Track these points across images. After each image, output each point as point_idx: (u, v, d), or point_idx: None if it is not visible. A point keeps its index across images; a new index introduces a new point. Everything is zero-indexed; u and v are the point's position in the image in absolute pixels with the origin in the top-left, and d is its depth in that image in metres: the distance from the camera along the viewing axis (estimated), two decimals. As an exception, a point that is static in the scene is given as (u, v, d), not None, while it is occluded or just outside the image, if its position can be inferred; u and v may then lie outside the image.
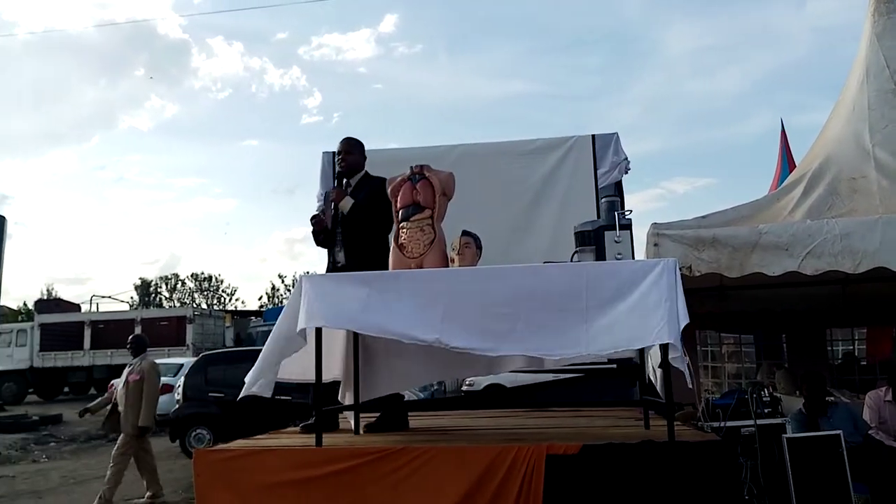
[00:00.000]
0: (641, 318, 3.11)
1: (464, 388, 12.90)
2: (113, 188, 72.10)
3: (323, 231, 4.40)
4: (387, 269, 3.70)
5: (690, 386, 3.14)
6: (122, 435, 7.39)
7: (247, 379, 3.39)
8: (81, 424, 15.70)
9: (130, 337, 8.07)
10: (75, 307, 28.30)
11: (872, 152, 5.05)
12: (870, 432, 5.02)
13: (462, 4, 67.40)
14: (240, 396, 3.45)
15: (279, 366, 3.42)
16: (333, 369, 3.99)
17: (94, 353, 22.53)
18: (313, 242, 4.52)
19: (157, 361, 17.33)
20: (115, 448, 7.41)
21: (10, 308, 39.20)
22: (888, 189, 4.76)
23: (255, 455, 3.36)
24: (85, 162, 72.71)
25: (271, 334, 3.44)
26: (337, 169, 4.49)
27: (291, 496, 3.22)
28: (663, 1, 61.91)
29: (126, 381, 7.40)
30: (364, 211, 4.24)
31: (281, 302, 44.93)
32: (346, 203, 4.31)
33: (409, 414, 4.45)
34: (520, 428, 4.23)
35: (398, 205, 3.76)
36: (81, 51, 63.00)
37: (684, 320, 3.04)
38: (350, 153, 4.47)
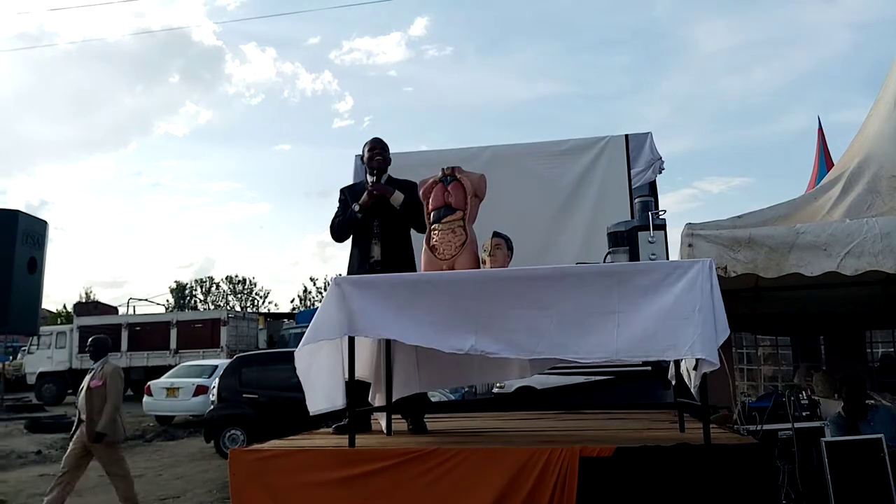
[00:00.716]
0: (675, 326, 3.05)
1: (494, 389, 12.88)
2: (149, 193, 73.55)
3: (365, 211, 4.34)
4: (417, 268, 3.72)
5: (716, 366, 3.06)
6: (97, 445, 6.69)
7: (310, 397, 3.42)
8: (119, 425, 16.03)
9: (90, 339, 7.08)
10: (113, 310, 28.81)
11: (914, 150, 4.93)
12: (912, 436, 4.90)
13: (491, 6, 67.43)
14: (312, 412, 3.46)
15: (337, 371, 3.43)
16: (363, 370, 3.99)
17: (132, 355, 22.90)
18: (336, 228, 4.48)
19: (192, 363, 17.67)
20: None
21: (49, 311, 40.12)
22: (930, 187, 4.64)
23: (290, 455, 3.39)
24: (122, 168, 74.30)
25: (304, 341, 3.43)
26: (373, 164, 4.47)
27: (325, 496, 3.24)
28: (693, -1, 61.12)
29: (88, 388, 6.72)
30: (411, 208, 4.25)
31: (313, 304, 45.33)
32: (398, 197, 4.32)
33: (441, 415, 4.46)
34: (552, 430, 4.21)
35: (430, 206, 3.77)
36: (118, 59, 64.31)
37: (723, 334, 2.98)
38: (385, 150, 4.52)
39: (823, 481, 4.14)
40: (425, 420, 4.31)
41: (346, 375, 3.44)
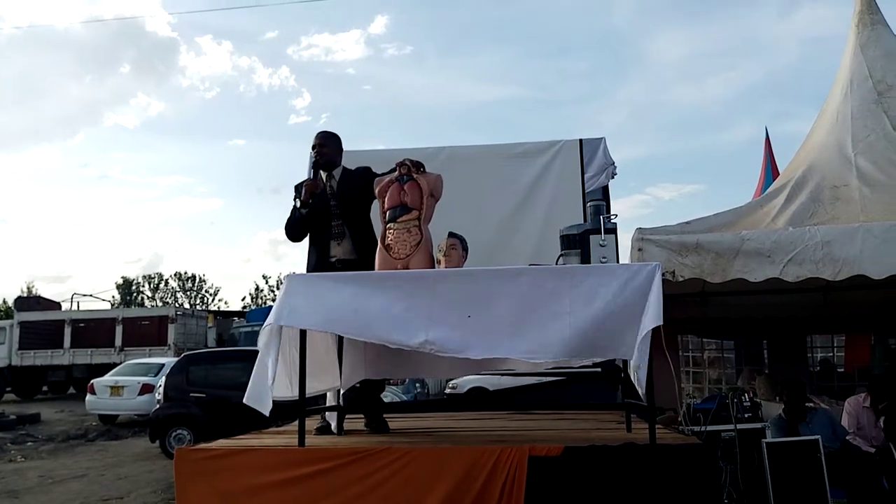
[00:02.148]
0: (624, 328, 3.12)
1: (447, 390, 12.92)
2: (96, 186, 71.45)
3: (309, 206, 4.20)
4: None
5: (642, 393, 3.14)
6: None
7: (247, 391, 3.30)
8: (60, 424, 15.58)
9: None
10: (56, 305, 27.95)
11: (855, 161, 5.13)
12: (847, 438, 5.09)
13: (452, 8, 67.55)
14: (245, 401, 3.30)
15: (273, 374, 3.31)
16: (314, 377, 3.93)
17: (74, 352, 22.30)
18: (287, 228, 4.33)
19: (138, 361, 17.25)
20: None
21: (-13, 306, 38.76)
22: (870, 197, 4.83)
23: (238, 454, 3.33)
24: (69, 158, 72.05)
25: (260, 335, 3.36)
26: (315, 159, 4.32)
27: (273, 496, 3.20)
28: (651, 8, 62.31)
29: None
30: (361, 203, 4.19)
31: (265, 303, 44.72)
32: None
33: (393, 416, 4.44)
34: (503, 430, 4.24)
35: (385, 205, 3.76)
36: (67, 46, 62.45)
37: (650, 325, 3.02)
38: (325, 145, 4.34)
39: (764, 481, 4.27)
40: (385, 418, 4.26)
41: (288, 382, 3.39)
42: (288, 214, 4.38)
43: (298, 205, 4.22)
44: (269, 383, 3.22)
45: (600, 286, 3.21)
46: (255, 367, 3.27)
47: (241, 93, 68.39)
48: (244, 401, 3.23)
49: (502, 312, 3.25)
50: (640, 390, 3.15)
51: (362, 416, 4.32)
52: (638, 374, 3.05)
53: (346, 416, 4.21)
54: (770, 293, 5.68)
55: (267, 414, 3.22)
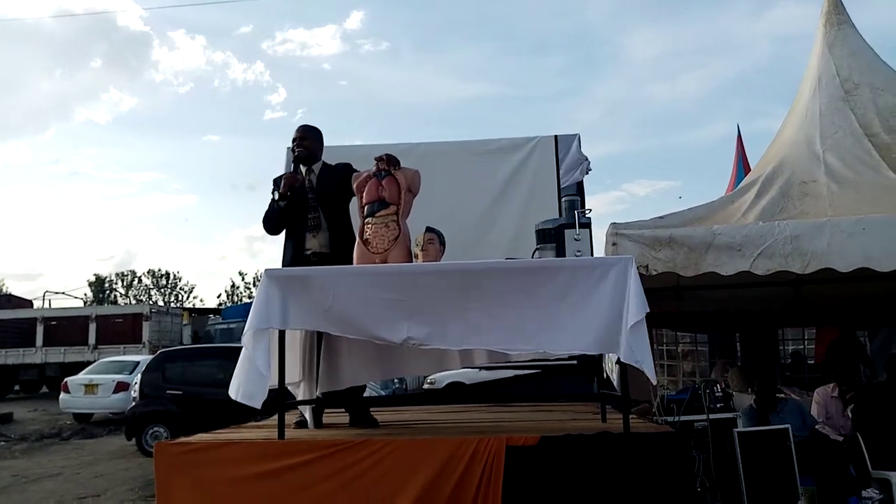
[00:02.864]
0: (598, 321, 3.20)
1: (425, 385, 12.95)
2: (67, 182, 70.36)
3: (287, 199, 4.19)
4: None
5: (655, 383, 3.23)
6: None
7: (233, 385, 3.33)
8: (34, 423, 15.38)
9: None
10: (27, 303, 27.53)
11: (823, 157, 5.24)
12: (816, 427, 5.21)
13: (428, 4, 67.46)
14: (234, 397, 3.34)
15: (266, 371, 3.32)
16: (291, 366, 3.96)
17: (47, 351, 21.97)
18: (265, 221, 4.34)
19: (112, 359, 17.05)
20: None
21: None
22: (837, 193, 4.94)
23: (217, 448, 3.36)
24: (38, 154, 70.74)
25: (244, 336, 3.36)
26: (295, 153, 4.34)
27: (253, 488, 3.22)
28: (626, 6, 62.78)
29: None
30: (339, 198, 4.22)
31: (241, 300, 44.41)
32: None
33: (372, 410, 4.47)
34: (480, 422, 4.30)
35: (363, 200, 3.79)
36: (36, 40, 61.24)
37: (636, 315, 3.11)
38: (306, 139, 4.36)
39: (735, 469, 4.37)
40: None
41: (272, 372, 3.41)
42: (266, 208, 4.39)
43: (277, 197, 4.22)
44: (263, 380, 3.24)
45: (575, 279, 3.28)
46: (241, 365, 3.29)
47: (215, 88, 67.76)
48: (233, 397, 3.26)
49: (479, 306, 3.30)
50: (615, 383, 3.22)
51: (346, 413, 4.34)
52: (644, 368, 3.10)
53: (325, 411, 4.24)
54: (742, 287, 5.80)
55: (259, 407, 3.24)
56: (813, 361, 9.84)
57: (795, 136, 5.70)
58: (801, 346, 10.80)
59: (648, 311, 3.09)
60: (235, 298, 46.83)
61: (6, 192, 70.48)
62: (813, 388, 6.15)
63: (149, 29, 66.33)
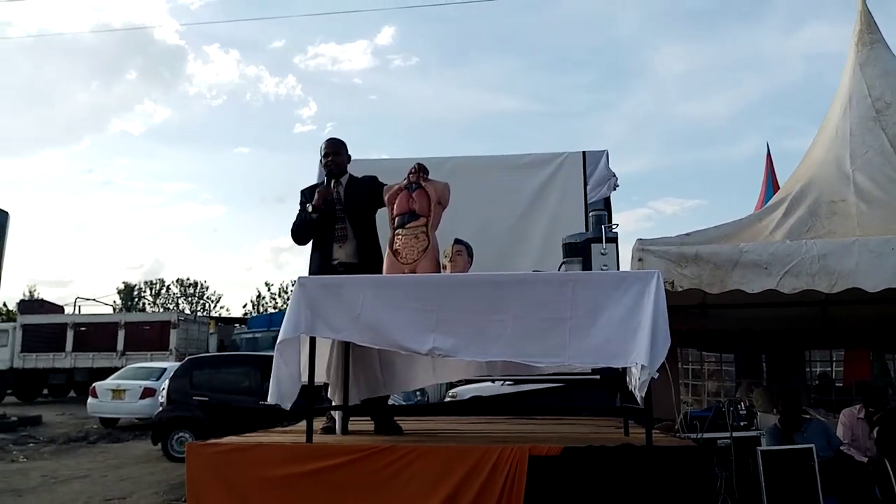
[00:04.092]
0: (623, 335, 3.22)
1: (447, 399, 12.97)
2: (100, 191, 71.50)
3: (320, 212, 4.32)
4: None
5: (655, 376, 3.22)
6: None
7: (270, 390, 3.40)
8: (61, 426, 15.64)
9: None
10: (58, 309, 28.01)
11: (853, 177, 5.23)
12: (841, 448, 5.17)
13: (458, 20, 67.90)
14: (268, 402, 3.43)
15: (297, 375, 3.43)
16: (320, 370, 4.05)
17: (76, 356, 22.35)
18: (295, 231, 4.46)
19: (140, 365, 17.30)
20: None
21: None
22: (866, 213, 4.93)
23: (247, 450, 3.44)
24: (73, 164, 72.04)
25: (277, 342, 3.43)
26: (327, 168, 4.48)
27: (281, 490, 3.30)
28: (655, 23, 62.54)
29: None
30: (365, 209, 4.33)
31: (266, 310, 44.78)
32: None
33: (396, 419, 4.54)
34: (503, 432, 4.34)
35: (394, 212, 3.88)
36: (75, 53, 62.59)
37: (665, 344, 3.13)
38: (338, 154, 4.51)
39: (758, 488, 4.35)
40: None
41: (303, 376, 3.50)
42: (294, 219, 4.52)
43: (310, 209, 4.34)
44: (295, 384, 3.35)
45: (601, 293, 3.31)
46: (273, 370, 3.37)
47: (247, 101, 68.61)
48: (270, 401, 3.34)
49: (505, 317, 3.35)
50: (639, 397, 3.25)
51: (371, 420, 4.42)
52: (637, 383, 3.14)
53: (351, 418, 4.32)
54: (769, 306, 5.78)
55: (288, 409, 3.34)
56: (841, 384, 9.70)
57: (825, 155, 5.69)
58: (829, 368, 10.66)
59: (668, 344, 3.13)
60: (261, 308, 47.23)
61: (41, 201, 71.87)
62: (840, 411, 6.09)
63: (184, 43, 67.44)
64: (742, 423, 4.90)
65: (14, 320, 25.51)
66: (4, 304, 39.54)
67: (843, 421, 5.60)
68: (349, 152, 4.63)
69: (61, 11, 59.78)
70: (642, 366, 3.11)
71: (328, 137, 4.63)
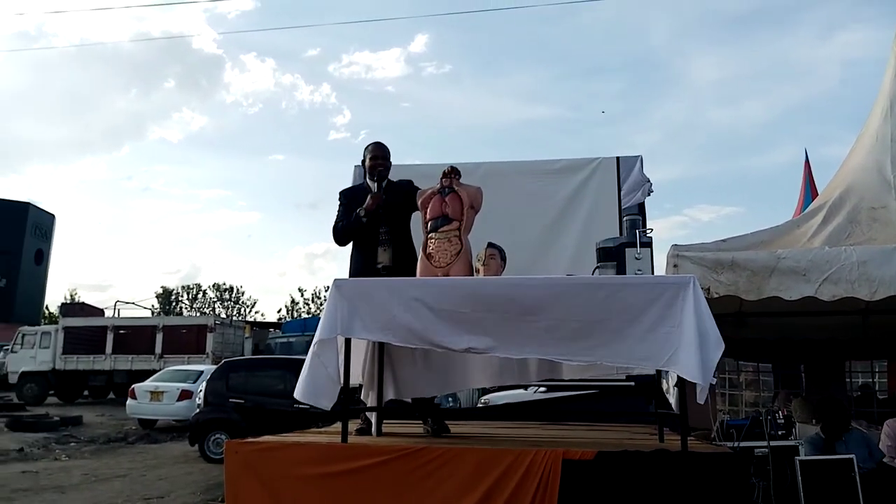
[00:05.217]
0: (656, 339, 3.21)
1: (479, 405, 12.95)
2: (138, 198, 73.23)
3: (370, 216, 4.42)
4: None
5: (700, 402, 3.21)
6: None
7: (301, 388, 3.44)
8: (101, 427, 15.97)
9: None
10: (99, 312, 28.70)
11: (893, 183, 5.13)
12: (884, 460, 5.06)
13: (491, 28, 68.01)
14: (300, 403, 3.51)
15: (336, 375, 3.48)
16: (356, 370, 4.10)
17: (116, 358, 22.80)
18: (340, 233, 4.55)
19: (177, 368, 17.59)
20: None
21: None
22: (908, 220, 4.83)
23: (284, 448, 3.51)
24: (113, 171, 74.05)
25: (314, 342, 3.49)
26: (375, 173, 4.57)
27: (316, 488, 3.36)
28: (687, 30, 62.09)
29: None
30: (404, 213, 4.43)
31: (300, 315, 45.23)
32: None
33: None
34: (537, 437, 4.33)
35: (427, 216, 3.92)
36: (116, 62, 64.32)
37: (717, 348, 3.12)
38: (387, 158, 4.64)
39: (796, 499, 4.28)
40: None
41: (342, 377, 3.55)
42: (335, 221, 4.61)
43: (362, 213, 4.44)
44: (333, 384, 3.41)
45: (635, 297, 3.31)
46: (309, 369, 3.42)
47: (282, 109, 69.78)
48: (300, 398, 3.39)
49: (539, 318, 3.36)
50: (674, 404, 3.23)
51: (412, 422, 4.48)
52: (672, 390, 3.12)
53: (385, 421, 4.36)
54: (808, 315, 5.69)
55: (328, 409, 3.39)
56: (885, 396, 9.47)
57: (865, 160, 5.59)
58: (871, 379, 10.42)
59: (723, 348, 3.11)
60: (295, 314, 47.77)
61: (82, 207, 73.68)
62: (882, 423, 5.95)
63: (222, 52, 68.92)
64: (780, 433, 4.82)
65: (56, 323, 26.11)
66: (47, 307, 40.55)
67: (888, 432, 5.47)
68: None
69: (103, 21, 61.48)
70: (700, 373, 3.06)
71: (374, 141, 4.73)
